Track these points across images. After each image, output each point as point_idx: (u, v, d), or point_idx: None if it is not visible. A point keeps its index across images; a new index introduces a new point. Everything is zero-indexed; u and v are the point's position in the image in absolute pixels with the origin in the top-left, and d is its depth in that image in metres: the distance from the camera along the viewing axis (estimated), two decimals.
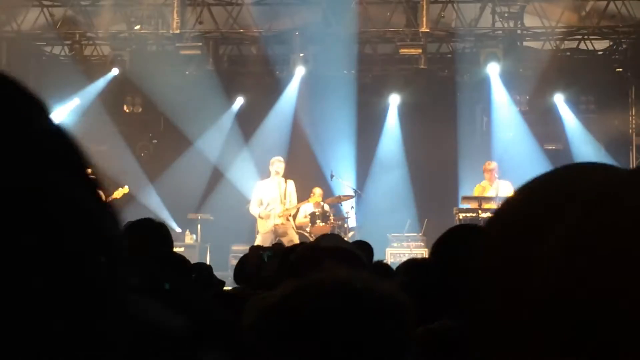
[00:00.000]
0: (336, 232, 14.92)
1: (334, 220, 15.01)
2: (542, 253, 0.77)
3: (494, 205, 13.36)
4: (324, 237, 4.53)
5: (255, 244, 13.87)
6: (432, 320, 2.44)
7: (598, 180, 0.82)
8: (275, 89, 16.94)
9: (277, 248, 6.85)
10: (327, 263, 3.02)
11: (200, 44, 15.72)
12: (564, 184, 0.85)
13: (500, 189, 13.86)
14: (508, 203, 0.88)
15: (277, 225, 13.93)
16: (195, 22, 15.67)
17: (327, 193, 15.85)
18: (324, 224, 14.76)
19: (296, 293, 1.58)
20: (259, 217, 14.08)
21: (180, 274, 4.64)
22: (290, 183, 14.21)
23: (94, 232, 0.74)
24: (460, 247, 2.68)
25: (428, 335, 2.34)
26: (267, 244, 14.11)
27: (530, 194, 0.88)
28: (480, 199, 13.85)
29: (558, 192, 0.84)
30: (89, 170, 0.78)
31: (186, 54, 15.84)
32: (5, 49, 15.97)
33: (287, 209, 14.05)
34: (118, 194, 14.37)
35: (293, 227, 14.24)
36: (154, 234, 4.85)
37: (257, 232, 14.30)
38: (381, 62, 17.03)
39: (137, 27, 15.89)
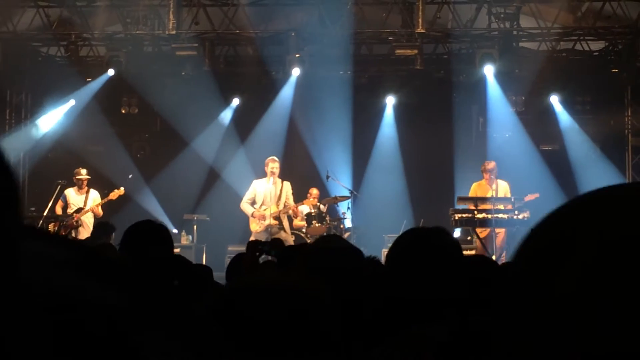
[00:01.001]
0: (332, 233, 14.94)
1: (330, 221, 15.01)
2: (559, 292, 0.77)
3: (490, 206, 13.39)
4: (325, 237, 4.54)
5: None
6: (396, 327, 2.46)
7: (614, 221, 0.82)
8: (271, 89, 16.95)
9: (275, 244, 6.83)
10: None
11: (196, 44, 15.70)
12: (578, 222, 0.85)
13: (499, 189, 13.87)
14: (528, 239, 0.88)
15: (270, 225, 13.92)
16: (191, 23, 15.67)
17: (323, 194, 15.86)
18: (320, 224, 14.76)
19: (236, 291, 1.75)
20: (252, 216, 14.06)
21: (182, 275, 4.64)
22: (287, 184, 14.20)
23: None
24: (413, 252, 2.69)
25: (419, 340, 2.34)
26: None
27: (547, 230, 0.88)
28: (476, 200, 13.85)
29: (571, 230, 0.84)
30: None
31: (182, 54, 15.82)
32: (0, 49, 15.94)
33: (280, 210, 14.02)
34: (114, 195, 14.36)
35: (287, 228, 14.23)
36: (154, 236, 4.85)
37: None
38: (377, 62, 17.04)
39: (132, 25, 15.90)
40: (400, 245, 2.74)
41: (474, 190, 14.07)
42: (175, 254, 4.94)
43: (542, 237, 0.86)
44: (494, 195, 13.67)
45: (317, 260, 3.02)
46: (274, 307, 1.65)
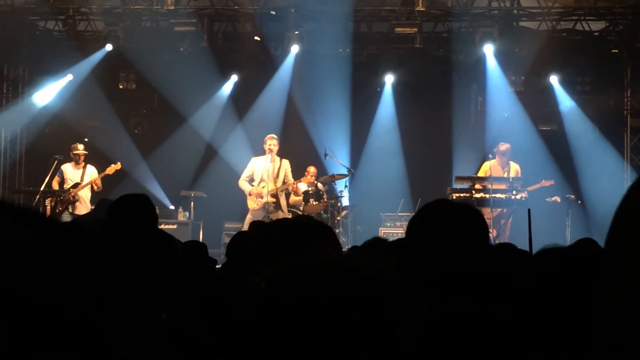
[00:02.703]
0: (329, 211, 14.94)
1: (327, 199, 15.01)
2: None
3: (490, 186, 13.40)
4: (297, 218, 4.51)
5: (246, 221, 13.88)
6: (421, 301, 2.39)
7: None
8: (269, 66, 16.88)
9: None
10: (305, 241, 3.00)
11: (194, 20, 15.63)
12: None
13: (511, 171, 13.93)
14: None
15: (267, 202, 13.91)
16: None
17: (321, 172, 15.85)
18: (317, 202, 14.76)
19: (285, 278, 1.58)
20: (249, 193, 14.05)
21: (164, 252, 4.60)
22: (285, 162, 14.18)
23: None
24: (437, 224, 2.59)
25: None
26: None
27: None
28: (474, 179, 13.87)
29: None
30: None
31: (180, 30, 15.75)
32: None
33: (278, 187, 14.01)
34: (110, 169, 14.34)
35: (284, 206, 14.21)
36: (135, 210, 4.81)
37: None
38: (376, 40, 16.94)
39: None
40: (425, 217, 2.65)
41: (486, 169, 14.07)
42: (160, 230, 4.88)
43: None
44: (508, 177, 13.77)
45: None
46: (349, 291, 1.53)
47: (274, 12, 15.50)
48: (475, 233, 2.54)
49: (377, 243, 4.55)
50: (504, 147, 14.16)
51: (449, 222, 2.58)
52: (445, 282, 2.39)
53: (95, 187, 14.28)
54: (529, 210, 5.89)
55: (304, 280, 1.55)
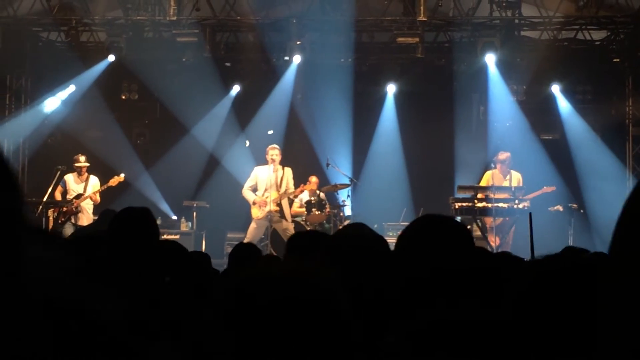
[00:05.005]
0: (332, 221, 14.95)
1: (329, 208, 15.02)
2: None
3: (493, 196, 13.41)
4: (351, 226, 4.50)
5: (249, 231, 13.91)
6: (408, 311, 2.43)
7: None
8: (272, 76, 16.91)
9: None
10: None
11: (196, 31, 15.66)
12: None
13: (512, 179, 13.93)
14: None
15: (271, 211, 13.92)
16: (192, 9, 15.61)
17: (323, 181, 15.86)
18: (319, 212, 14.78)
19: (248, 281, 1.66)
20: (253, 203, 14.06)
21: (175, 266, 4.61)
22: (288, 170, 14.21)
23: None
24: (427, 239, 2.67)
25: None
26: (261, 230, 14.14)
27: None
28: (476, 189, 13.87)
29: None
30: None
31: (183, 41, 15.78)
32: (1, 34, 15.89)
33: (281, 194, 14.02)
34: (114, 181, 14.35)
35: (287, 215, 14.23)
36: (136, 224, 4.82)
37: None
38: (378, 50, 16.98)
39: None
40: (414, 227, 2.73)
41: (488, 178, 14.09)
42: (169, 241, 4.86)
43: None
44: (509, 186, 13.76)
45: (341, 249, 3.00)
46: (287, 297, 1.59)
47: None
48: (457, 240, 2.64)
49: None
50: (503, 155, 14.17)
51: (432, 231, 2.68)
52: (427, 283, 2.47)
53: (93, 201, 14.22)
54: (530, 214, 5.91)
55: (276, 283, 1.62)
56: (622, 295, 0.85)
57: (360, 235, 3.10)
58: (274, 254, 12.09)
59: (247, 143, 16.41)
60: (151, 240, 4.72)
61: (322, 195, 15.26)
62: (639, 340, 0.85)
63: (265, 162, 14.11)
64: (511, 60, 16.05)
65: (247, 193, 14.20)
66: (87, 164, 14.55)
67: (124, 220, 4.87)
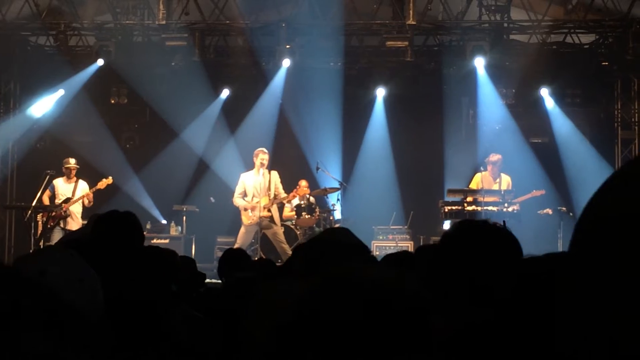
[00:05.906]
0: (322, 225, 14.94)
1: (319, 212, 15.02)
2: None
3: (482, 199, 13.42)
4: (332, 230, 4.48)
5: (239, 236, 13.90)
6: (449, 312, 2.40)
7: None
8: (261, 80, 16.90)
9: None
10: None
11: (186, 35, 15.64)
12: None
13: (502, 182, 13.96)
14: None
15: (262, 217, 13.92)
16: (181, 13, 15.59)
17: (313, 185, 15.86)
18: (309, 216, 14.77)
19: (323, 289, 1.58)
20: (244, 209, 14.05)
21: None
22: (274, 174, 14.20)
23: None
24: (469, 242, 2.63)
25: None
26: (250, 235, 14.13)
27: None
28: (466, 192, 13.89)
29: None
30: None
31: (172, 45, 15.76)
32: None
33: (272, 200, 14.02)
34: (102, 184, 14.33)
35: (277, 220, 14.22)
36: (121, 227, 4.79)
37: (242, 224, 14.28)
38: (367, 54, 17.00)
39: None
40: (458, 234, 2.70)
41: (477, 180, 14.11)
42: (154, 246, 4.84)
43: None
44: (499, 189, 13.78)
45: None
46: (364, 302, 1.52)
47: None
48: (506, 252, 2.60)
49: (404, 257, 4.60)
50: (494, 157, 14.21)
51: (482, 240, 2.63)
52: (473, 294, 2.43)
53: (86, 202, 14.25)
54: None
55: (345, 293, 1.55)
56: (581, 294, 0.85)
57: (339, 241, 3.08)
58: (264, 258, 12.09)
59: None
60: (135, 243, 4.70)
61: (312, 199, 15.26)
62: (595, 344, 0.84)
63: (253, 167, 14.12)
64: (500, 63, 16.09)
65: (238, 201, 14.20)
66: (77, 166, 14.53)
67: (108, 222, 4.85)
